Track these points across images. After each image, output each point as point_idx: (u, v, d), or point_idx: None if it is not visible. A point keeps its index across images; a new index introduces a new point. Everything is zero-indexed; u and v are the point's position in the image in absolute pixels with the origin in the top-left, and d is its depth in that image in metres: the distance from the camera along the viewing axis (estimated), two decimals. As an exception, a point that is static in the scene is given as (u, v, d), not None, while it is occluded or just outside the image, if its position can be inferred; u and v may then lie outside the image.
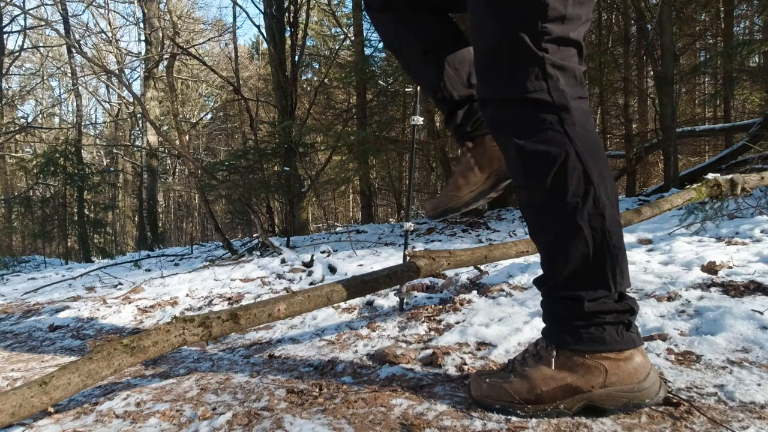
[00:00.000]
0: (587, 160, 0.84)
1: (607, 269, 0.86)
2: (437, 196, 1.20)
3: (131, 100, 14.52)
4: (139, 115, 14.80)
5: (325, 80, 7.78)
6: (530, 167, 0.87)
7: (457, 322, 1.51)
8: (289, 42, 6.27)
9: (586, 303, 0.86)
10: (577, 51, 0.87)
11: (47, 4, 12.32)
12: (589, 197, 0.84)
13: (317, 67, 13.34)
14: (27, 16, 12.06)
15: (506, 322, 1.42)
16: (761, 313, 1.21)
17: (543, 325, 0.97)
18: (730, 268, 1.65)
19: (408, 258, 1.38)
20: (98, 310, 2.41)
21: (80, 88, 12.28)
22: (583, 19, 0.86)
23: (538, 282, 0.95)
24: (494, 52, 0.86)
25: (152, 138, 11.18)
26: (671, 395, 0.92)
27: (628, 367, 0.86)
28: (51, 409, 1.08)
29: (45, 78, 15.91)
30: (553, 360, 0.90)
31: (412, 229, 1.70)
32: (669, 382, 0.98)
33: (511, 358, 0.99)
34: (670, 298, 1.44)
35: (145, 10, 11.08)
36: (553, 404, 0.88)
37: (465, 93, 1.13)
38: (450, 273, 2.10)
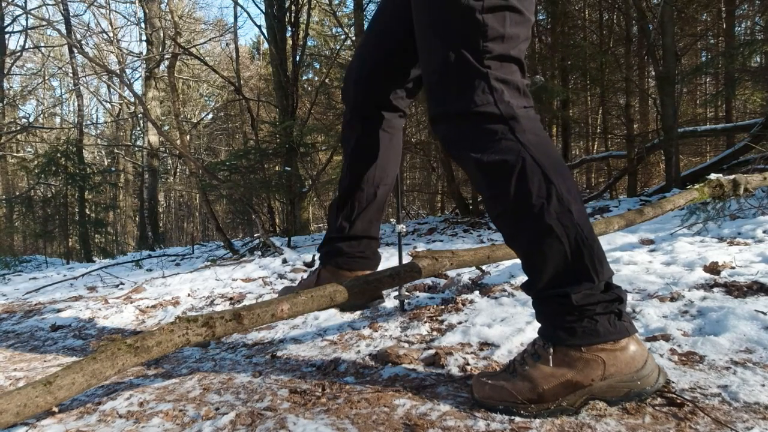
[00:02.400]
0: (543, 163, 0.87)
1: (587, 261, 0.88)
2: (290, 289, 1.39)
3: (132, 100, 14.53)
4: (140, 115, 14.80)
5: (326, 80, 7.78)
6: (491, 178, 0.90)
7: (460, 323, 1.51)
8: (290, 42, 6.27)
9: (574, 297, 0.87)
10: (519, 67, 0.92)
11: (49, 5, 12.34)
12: (552, 197, 0.87)
13: (318, 67, 13.34)
14: (29, 16, 12.08)
15: (508, 322, 1.42)
16: (764, 314, 1.21)
17: None
18: (733, 268, 1.65)
19: (411, 258, 1.38)
20: (100, 309, 2.41)
21: (81, 88, 12.28)
22: (522, 38, 0.91)
23: (525, 287, 0.97)
24: (442, 71, 0.90)
25: (153, 138, 11.19)
26: (675, 395, 0.92)
27: (626, 357, 0.87)
28: (55, 409, 1.08)
29: (46, 78, 15.92)
30: (550, 357, 0.90)
31: (404, 231, 1.70)
32: (672, 382, 0.98)
33: (512, 359, 1.00)
34: (672, 299, 1.44)
35: (146, 10, 11.09)
36: (556, 402, 0.89)
37: (345, 225, 1.30)
38: (452, 273, 2.10)
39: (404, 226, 1.69)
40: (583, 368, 0.88)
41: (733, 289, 1.45)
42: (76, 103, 14.14)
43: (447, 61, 0.88)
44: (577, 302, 0.87)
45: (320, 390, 1.12)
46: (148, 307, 2.41)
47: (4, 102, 11.57)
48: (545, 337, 0.94)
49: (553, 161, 0.89)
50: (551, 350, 0.91)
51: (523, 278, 1.84)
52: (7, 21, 11.69)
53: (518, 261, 1.99)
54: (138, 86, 17.05)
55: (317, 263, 2.79)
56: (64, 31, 10.79)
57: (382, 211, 1.32)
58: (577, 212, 0.88)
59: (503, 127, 0.88)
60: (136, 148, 15.62)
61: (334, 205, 1.30)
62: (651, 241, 2.35)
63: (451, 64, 0.88)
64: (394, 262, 2.74)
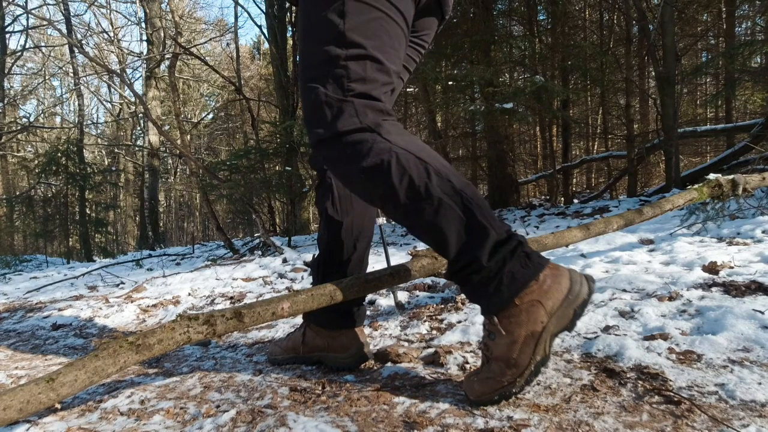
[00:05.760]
0: (413, 150, 0.99)
1: (480, 218, 0.96)
2: (278, 343, 1.43)
3: (133, 99, 14.54)
4: (140, 115, 14.82)
5: (327, 80, 7.77)
6: (376, 180, 1.00)
7: (459, 321, 1.52)
8: (290, 42, 6.28)
9: (483, 258, 0.94)
10: (380, 103, 1.04)
11: (49, 4, 12.34)
12: (431, 173, 0.97)
13: (319, 67, 13.29)
14: (29, 15, 12.10)
15: (508, 322, 1.42)
16: (762, 313, 1.22)
17: None
18: (732, 268, 1.66)
19: (411, 257, 1.38)
20: (100, 309, 2.42)
21: (82, 87, 12.27)
22: (381, 82, 1.04)
23: (447, 275, 1.03)
24: (316, 105, 1.03)
25: (154, 138, 11.20)
26: (673, 393, 0.92)
27: (553, 286, 0.94)
28: (57, 406, 1.09)
29: (47, 78, 15.89)
30: (500, 327, 0.95)
31: (384, 224, 1.73)
32: (671, 381, 0.99)
33: (481, 352, 1.04)
34: (671, 298, 1.44)
35: (147, 10, 11.10)
36: (531, 361, 0.93)
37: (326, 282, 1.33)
38: (452, 273, 2.10)
39: (384, 219, 1.70)
40: (528, 318, 0.93)
41: (732, 289, 1.45)
42: (76, 103, 14.14)
43: (319, 97, 1.02)
44: (488, 262, 0.94)
45: (320, 388, 1.12)
46: (148, 306, 2.42)
47: (5, 102, 11.58)
48: (485, 313, 0.99)
49: (421, 148, 1.01)
50: (496, 320, 0.96)
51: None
52: (8, 21, 11.71)
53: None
54: (138, 86, 17.06)
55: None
56: (64, 30, 10.80)
57: (364, 265, 1.34)
58: (457, 181, 0.98)
59: (371, 134, 1.00)
60: (137, 148, 15.63)
61: (315, 262, 1.34)
62: (650, 241, 2.35)
63: (322, 100, 1.02)
64: (394, 260, 2.74)
